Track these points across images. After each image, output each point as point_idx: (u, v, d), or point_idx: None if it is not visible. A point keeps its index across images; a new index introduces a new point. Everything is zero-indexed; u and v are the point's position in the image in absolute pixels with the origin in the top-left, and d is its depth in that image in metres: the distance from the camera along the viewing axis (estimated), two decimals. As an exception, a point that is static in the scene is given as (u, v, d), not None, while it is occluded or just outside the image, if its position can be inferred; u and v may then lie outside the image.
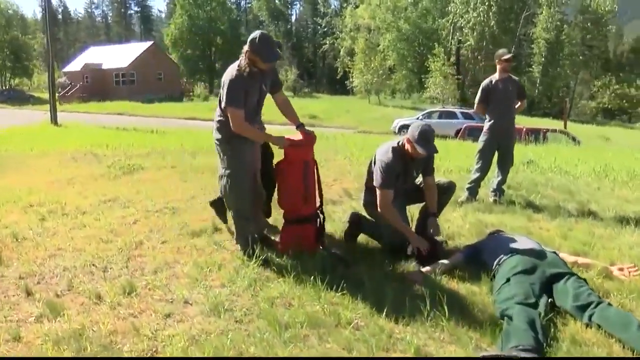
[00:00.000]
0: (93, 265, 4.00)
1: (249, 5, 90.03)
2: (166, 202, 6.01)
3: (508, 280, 3.36)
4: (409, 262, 4.02)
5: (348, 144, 12.18)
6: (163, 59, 56.07)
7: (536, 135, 18.06)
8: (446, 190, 4.55)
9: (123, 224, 5.16)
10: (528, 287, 3.24)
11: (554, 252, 3.77)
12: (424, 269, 3.83)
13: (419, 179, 4.49)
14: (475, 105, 6.46)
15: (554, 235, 4.87)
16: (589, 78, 56.51)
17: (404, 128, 24.03)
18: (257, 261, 3.87)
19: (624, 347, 2.82)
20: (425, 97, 44.18)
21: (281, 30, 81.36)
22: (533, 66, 51.28)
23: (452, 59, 45.89)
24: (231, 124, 3.82)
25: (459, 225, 5.16)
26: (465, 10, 47.47)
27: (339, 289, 3.43)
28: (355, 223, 4.55)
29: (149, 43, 58.99)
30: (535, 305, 3.09)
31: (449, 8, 48.79)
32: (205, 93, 55.02)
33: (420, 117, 26.12)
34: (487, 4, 46.23)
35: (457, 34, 49.66)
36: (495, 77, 6.31)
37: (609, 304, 3.11)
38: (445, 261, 3.95)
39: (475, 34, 47.13)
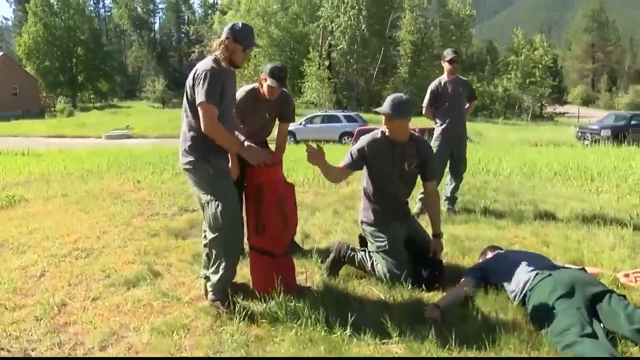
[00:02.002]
0: (6, 350, 2.87)
1: (109, 13, 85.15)
2: (73, 241, 4.85)
3: (553, 308, 2.90)
4: (413, 288, 3.52)
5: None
6: (17, 71, 50.40)
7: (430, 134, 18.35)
8: None
9: (27, 278, 3.95)
10: (578, 314, 2.79)
11: (582, 268, 3.36)
12: (440, 304, 3.22)
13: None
14: (424, 109, 6.01)
15: (535, 244, 4.59)
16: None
17: (290, 136, 23.63)
18: (239, 317, 2.99)
19: None
20: (301, 102, 44.21)
21: (145, 39, 77.81)
22: (400, 67, 53.45)
23: (327, 62, 46.37)
24: (202, 123, 3.11)
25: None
26: (336, 15, 48.09)
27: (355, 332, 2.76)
28: (343, 253, 3.89)
29: (-2, 54, 53.14)
30: (594, 335, 2.65)
31: (319, 12, 49.23)
32: (69, 108, 50.62)
33: (303, 123, 25.88)
34: (356, 8, 47.19)
35: (329, 37, 50.25)
36: (443, 78, 5.90)
37: None
38: (457, 291, 3.39)
39: (346, 37, 47.85)
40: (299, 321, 2.94)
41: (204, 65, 3.17)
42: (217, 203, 3.18)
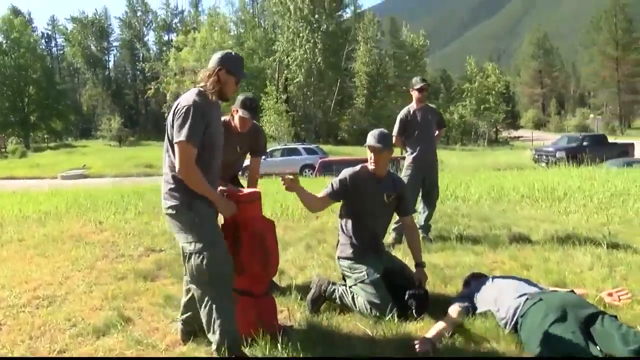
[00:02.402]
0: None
1: (62, 52, 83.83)
2: (33, 289, 4.53)
3: (548, 334, 2.83)
4: (400, 321, 3.41)
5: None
6: (-35, 111, 49.04)
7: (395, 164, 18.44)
8: None
9: (-18, 333, 3.65)
10: (574, 338, 2.75)
11: (572, 291, 3.33)
12: (430, 336, 3.10)
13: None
14: (394, 138, 5.96)
15: (516, 268, 4.55)
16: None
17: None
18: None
19: None
20: (260, 136, 44.13)
21: (99, 77, 76.72)
22: (357, 99, 54.26)
23: (284, 96, 46.61)
24: (178, 164, 2.85)
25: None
26: (292, 48, 48.67)
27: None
28: (323, 288, 3.80)
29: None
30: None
31: (275, 47, 49.70)
32: (21, 149, 49.11)
33: (263, 157, 25.67)
34: (312, 41, 47.93)
35: (285, 71, 50.62)
36: (412, 107, 5.91)
37: None
38: (447, 321, 3.30)
39: (303, 70, 48.39)
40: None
41: (186, 99, 2.92)
42: (203, 254, 2.89)
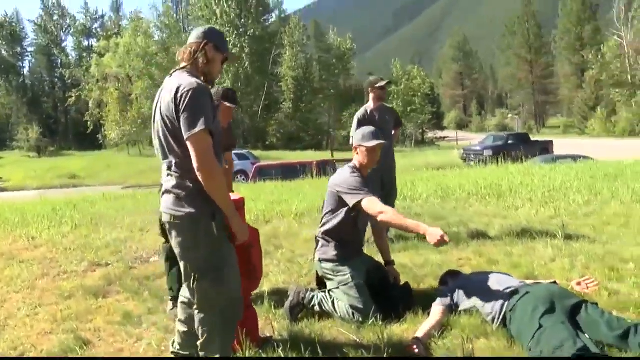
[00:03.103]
0: None
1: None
2: (-35, 316, 4.09)
3: (540, 326, 2.80)
4: (384, 323, 3.33)
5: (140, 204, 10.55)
6: None
7: (323, 167, 18.46)
8: None
9: None
10: (566, 329, 2.73)
11: (554, 282, 3.38)
12: (420, 336, 3.02)
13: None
14: (351, 139, 5.84)
15: (483, 264, 4.55)
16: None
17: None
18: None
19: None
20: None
21: (13, 84, 72.55)
22: (284, 103, 54.30)
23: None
24: (197, 161, 2.37)
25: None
26: (219, 53, 48.13)
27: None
28: (302, 295, 3.65)
29: None
30: (588, 349, 2.60)
31: (202, 52, 48.93)
32: None
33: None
34: (239, 46, 47.52)
35: (213, 76, 49.94)
36: (369, 106, 5.76)
37: None
38: (434, 320, 3.23)
39: (230, 75, 47.82)
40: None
41: (188, 82, 2.43)
42: (215, 275, 2.50)
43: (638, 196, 6.82)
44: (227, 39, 2.75)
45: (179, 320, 2.85)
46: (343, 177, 3.59)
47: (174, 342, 2.92)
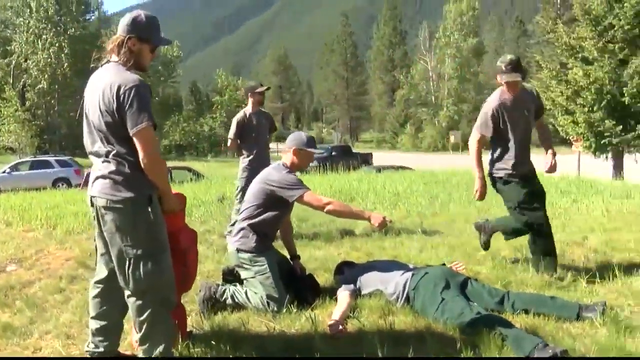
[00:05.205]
0: None
1: None
2: None
3: (443, 299, 3.43)
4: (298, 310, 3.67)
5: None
6: None
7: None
8: None
9: None
10: (461, 299, 3.44)
11: (443, 264, 4.05)
12: (337, 318, 3.44)
13: None
14: (229, 142, 6.10)
15: (363, 256, 5.04)
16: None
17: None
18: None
19: (547, 318, 3.33)
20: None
21: None
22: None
23: (28, 103, 41.71)
24: (144, 154, 2.54)
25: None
26: (32, 51, 43.72)
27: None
28: (213, 290, 3.84)
29: None
30: (480, 313, 3.29)
31: (11, 47, 44.04)
32: None
33: (8, 171, 22.97)
34: (57, 45, 43.66)
35: (25, 76, 45.21)
36: (248, 110, 6.09)
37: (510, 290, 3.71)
38: (345, 301, 3.66)
39: (46, 76, 43.79)
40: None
41: (129, 79, 2.54)
42: (153, 259, 2.60)
43: (470, 199, 7.95)
44: (155, 23, 2.70)
45: (92, 318, 2.88)
46: (279, 175, 3.87)
47: (88, 343, 2.91)
